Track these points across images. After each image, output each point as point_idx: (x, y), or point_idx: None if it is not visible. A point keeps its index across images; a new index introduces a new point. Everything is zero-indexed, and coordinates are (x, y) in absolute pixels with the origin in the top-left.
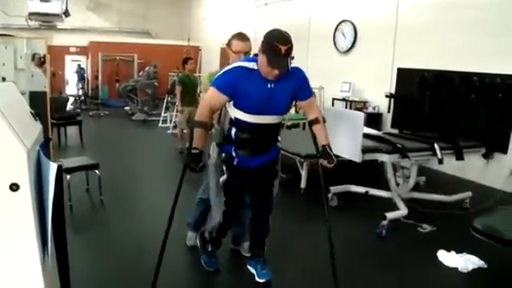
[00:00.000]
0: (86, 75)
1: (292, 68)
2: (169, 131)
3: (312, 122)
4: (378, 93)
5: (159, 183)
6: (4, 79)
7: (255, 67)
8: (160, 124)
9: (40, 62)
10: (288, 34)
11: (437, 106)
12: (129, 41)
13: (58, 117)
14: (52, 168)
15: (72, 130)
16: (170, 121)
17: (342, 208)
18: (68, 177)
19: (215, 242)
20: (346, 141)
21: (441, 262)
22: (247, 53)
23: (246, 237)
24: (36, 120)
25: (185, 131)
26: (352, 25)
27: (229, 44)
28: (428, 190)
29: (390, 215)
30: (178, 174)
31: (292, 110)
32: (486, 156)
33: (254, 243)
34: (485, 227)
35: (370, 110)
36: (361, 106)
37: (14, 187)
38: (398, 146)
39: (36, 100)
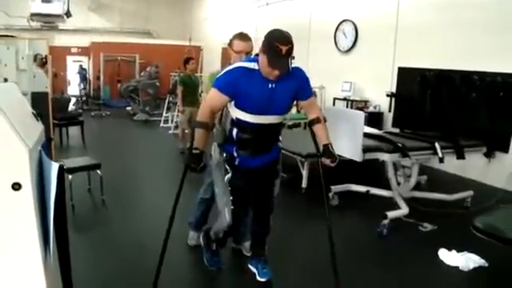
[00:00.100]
0: (87, 76)
1: (293, 68)
2: (170, 131)
3: (313, 122)
4: (379, 92)
5: (160, 183)
6: (6, 80)
7: (256, 67)
8: (161, 124)
9: (42, 63)
10: (289, 34)
11: (438, 105)
12: (130, 41)
13: (59, 117)
14: (54, 168)
15: (74, 131)
16: (172, 121)
17: (343, 207)
18: (70, 177)
19: (221, 241)
20: (347, 140)
21: (442, 261)
22: (249, 53)
23: (247, 236)
24: (38, 120)
25: (186, 131)
26: (353, 24)
27: (230, 44)
28: (429, 189)
29: (391, 214)
30: (180, 174)
31: (293, 110)
32: (488, 155)
33: (255, 242)
34: (486, 226)
35: (371, 109)
36: (362, 105)
37: (16, 186)
38: (399, 145)
39: (38, 100)
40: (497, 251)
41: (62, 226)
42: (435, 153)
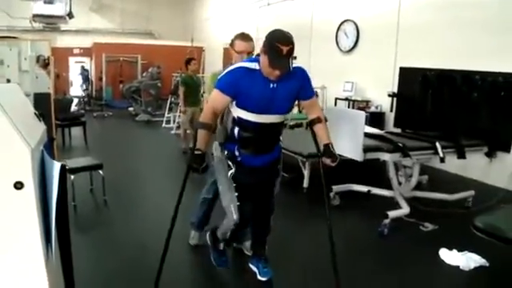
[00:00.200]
0: (89, 76)
1: (294, 68)
2: (172, 132)
3: (313, 122)
4: (381, 92)
5: (162, 183)
6: (9, 81)
7: (257, 67)
8: (163, 124)
9: (44, 64)
10: (290, 34)
11: (439, 104)
12: (132, 42)
13: (62, 118)
14: (56, 167)
15: (76, 131)
16: (174, 121)
17: (345, 207)
18: (72, 177)
19: (228, 241)
20: (348, 140)
21: (442, 261)
22: (250, 53)
23: (248, 235)
24: (40, 120)
25: (188, 131)
26: (354, 24)
27: (232, 44)
28: (430, 189)
29: (392, 214)
30: (182, 174)
31: (295, 110)
32: (489, 155)
33: (256, 242)
34: (486, 225)
35: (373, 109)
36: (363, 105)
37: (19, 185)
38: (400, 144)
39: (40, 101)
40: (497, 251)
41: (63, 225)
42: (436, 152)
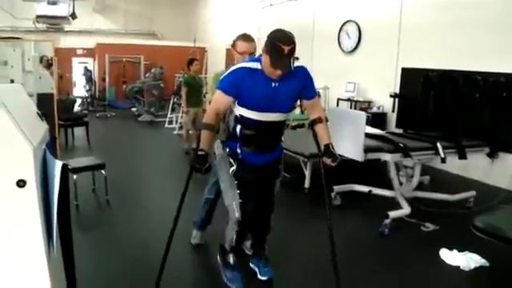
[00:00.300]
0: (93, 77)
1: (296, 67)
2: (175, 132)
3: (314, 122)
4: (383, 93)
5: (165, 183)
6: (12, 81)
7: (259, 67)
8: (166, 125)
9: (48, 64)
10: (291, 34)
11: (441, 105)
12: (135, 42)
13: (65, 118)
14: (57, 165)
15: (79, 131)
16: (176, 122)
17: (346, 207)
18: (74, 177)
19: (236, 248)
20: (349, 140)
21: (443, 261)
22: (252, 53)
23: (248, 235)
24: (42, 120)
25: (190, 132)
26: (356, 25)
27: (234, 45)
28: (432, 190)
29: (393, 214)
30: (184, 174)
31: (297, 110)
32: (491, 155)
33: (256, 241)
34: (486, 225)
35: (375, 109)
36: (365, 106)
37: (21, 183)
38: (400, 145)
39: (43, 101)
40: (498, 251)
41: (65, 223)
42: (437, 153)
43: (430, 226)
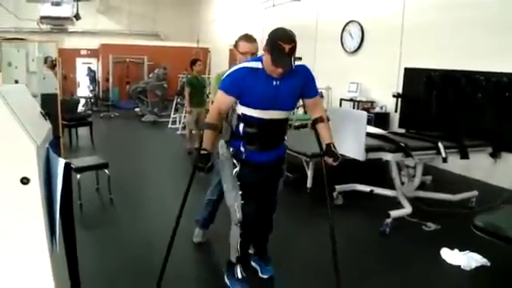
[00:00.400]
0: (96, 77)
1: (297, 66)
2: (178, 132)
3: (316, 121)
4: (386, 93)
5: (168, 183)
6: (17, 82)
7: (260, 66)
8: (169, 125)
9: (52, 65)
10: (292, 32)
11: (443, 105)
12: (139, 43)
13: (69, 118)
14: (60, 163)
15: (83, 131)
16: (180, 122)
17: (347, 206)
18: (78, 176)
19: (243, 259)
20: (350, 140)
21: (444, 260)
22: (254, 54)
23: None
24: (46, 119)
25: (193, 132)
26: (359, 25)
27: (236, 45)
28: (434, 189)
29: (394, 213)
30: (187, 173)
31: (300, 111)
32: (494, 155)
33: (258, 240)
34: (486, 224)
35: (378, 109)
36: (368, 106)
37: (25, 180)
38: (402, 144)
39: (47, 102)
40: (499, 251)
41: (68, 221)
42: (438, 153)
43: (432, 226)
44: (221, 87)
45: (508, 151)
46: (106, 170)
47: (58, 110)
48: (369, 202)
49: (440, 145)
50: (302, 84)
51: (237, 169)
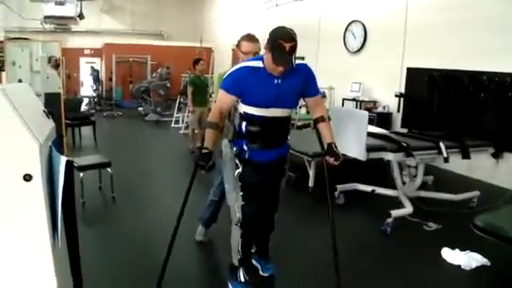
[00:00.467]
0: (100, 77)
1: (298, 64)
2: (181, 131)
3: (317, 120)
4: (388, 93)
5: (170, 182)
6: (20, 81)
7: (261, 65)
8: (172, 124)
9: (56, 65)
10: (293, 31)
11: (446, 105)
12: (142, 43)
13: (72, 117)
14: (62, 160)
15: (86, 130)
16: (183, 121)
17: (349, 206)
18: (81, 174)
19: (245, 261)
20: (351, 140)
21: (444, 260)
22: (256, 53)
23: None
24: (48, 118)
25: (196, 131)
26: (362, 25)
27: (238, 45)
28: (436, 189)
29: (395, 213)
30: (189, 172)
31: (303, 110)
32: (496, 155)
33: (259, 239)
34: (486, 224)
35: (380, 109)
36: (371, 105)
37: (28, 177)
38: (403, 144)
39: (51, 101)
40: (499, 251)
41: (71, 218)
42: (440, 152)
43: (433, 226)
44: (222, 86)
45: (510, 151)
46: (109, 169)
47: (62, 109)
48: (370, 201)
49: (441, 145)
50: (303, 82)
51: (239, 170)
